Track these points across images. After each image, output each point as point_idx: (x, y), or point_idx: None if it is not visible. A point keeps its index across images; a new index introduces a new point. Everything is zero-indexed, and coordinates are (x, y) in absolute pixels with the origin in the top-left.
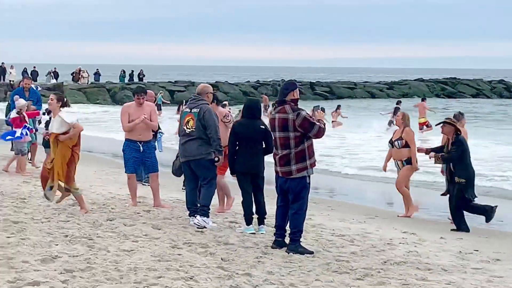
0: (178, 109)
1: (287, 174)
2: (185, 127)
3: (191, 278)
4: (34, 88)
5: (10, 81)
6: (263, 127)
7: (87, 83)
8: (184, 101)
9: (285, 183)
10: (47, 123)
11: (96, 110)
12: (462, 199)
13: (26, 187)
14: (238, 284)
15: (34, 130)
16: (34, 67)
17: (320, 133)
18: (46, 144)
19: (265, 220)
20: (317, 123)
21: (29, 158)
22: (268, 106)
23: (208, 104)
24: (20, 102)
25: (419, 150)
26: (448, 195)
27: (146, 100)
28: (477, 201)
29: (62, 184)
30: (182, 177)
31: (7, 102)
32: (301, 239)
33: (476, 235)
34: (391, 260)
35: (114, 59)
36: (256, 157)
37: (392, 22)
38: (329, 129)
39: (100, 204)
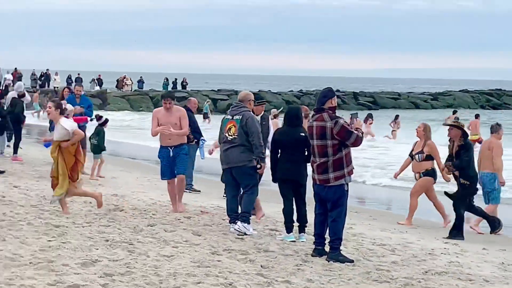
0: None
1: (325, 182)
2: (226, 134)
3: (230, 284)
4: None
5: (54, 87)
6: (304, 134)
7: (131, 90)
8: None
9: (323, 191)
10: (97, 131)
11: (139, 117)
12: (463, 199)
13: None
14: None
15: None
16: (78, 74)
17: (357, 141)
18: (96, 150)
19: (305, 228)
20: (355, 132)
21: None
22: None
23: (250, 111)
24: (67, 107)
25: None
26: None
27: (189, 107)
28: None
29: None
30: (223, 184)
31: None
32: (341, 248)
33: None
34: (432, 270)
35: (156, 67)
36: (297, 165)
37: (435, 32)
38: (383, 140)
39: (141, 210)
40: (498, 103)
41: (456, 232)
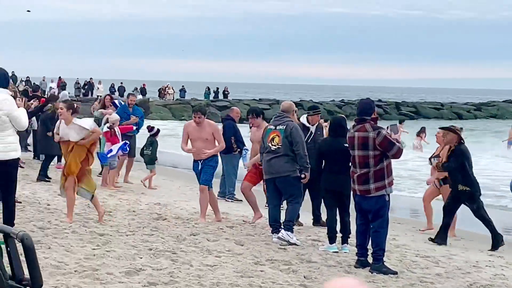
0: None
1: (366, 192)
2: (270, 144)
3: None
4: (131, 105)
5: (97, 96)
6: (347, 145)
7: (173, 99)
8: None
9: (363, 201)
10: (150, 142)
11: (181, 126)
12: (457, 203)
13: (112, 200)
14: None
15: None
16: (121, 82)
17: (398, 153)
18: (149, 161)
19: (348, 239)
20: (397, 143)
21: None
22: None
23: (293, 121)
24: (113, 117)
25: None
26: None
27: (232, 117)
28: None
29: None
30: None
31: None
32: (384, 259)
33: None
34: (477, 283)
35: (196, 76)
36: (341, 175)
37: (479, 42)
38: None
39: (184, 219)
40: None
41: (495, 241)
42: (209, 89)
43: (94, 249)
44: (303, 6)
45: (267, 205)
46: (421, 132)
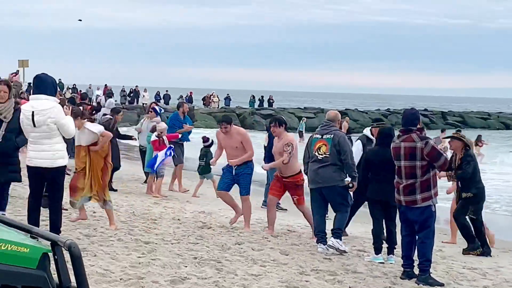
0: None
1: (412, 203)
2: (316, 153)
3: None
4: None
5: (143, 104)
6: None
7: (218, 107)
8: None
9: (409, 212)
10: (204, 152)
11: None
12: (465, 213)
13: (157, 208)
14: None
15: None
16: (167, 90)
17: (445, 164)
18: (203, 171)
19: (394, 250)
20: (444, 154)
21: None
22: None
23: (339, 130)
24: (161, 125)
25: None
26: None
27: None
28: None
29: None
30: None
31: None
32: (431, 270)
33: None
34: None
35: (242, 85)
36: (387, 185)
37: None
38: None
39: (229, 228)
40: None
41: (471, 245)
42: (254, 97)
43: (139, 257)
44: (348, 15)
45: (263, 206)
46: (478, 140)
